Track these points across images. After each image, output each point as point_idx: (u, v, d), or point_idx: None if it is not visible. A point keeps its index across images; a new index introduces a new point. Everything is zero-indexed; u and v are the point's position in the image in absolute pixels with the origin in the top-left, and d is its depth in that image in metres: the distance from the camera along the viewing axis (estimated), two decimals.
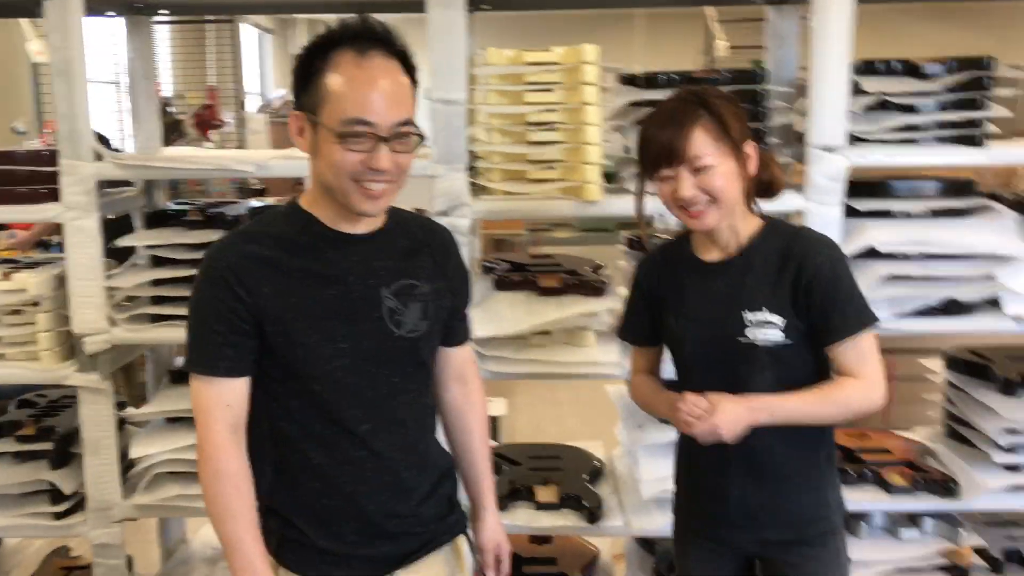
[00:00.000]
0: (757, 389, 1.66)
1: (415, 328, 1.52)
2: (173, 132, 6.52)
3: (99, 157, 2.26)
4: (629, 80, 2.36)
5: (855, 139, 2.23)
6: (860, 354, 1.67)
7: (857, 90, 2.22)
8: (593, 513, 2.35)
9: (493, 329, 2.24)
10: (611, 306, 2.30)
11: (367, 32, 1.41)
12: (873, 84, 2.21)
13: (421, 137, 1.47)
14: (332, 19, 1.48)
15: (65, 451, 2.43)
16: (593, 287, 2.31)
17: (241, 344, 1.44)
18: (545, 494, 2.43)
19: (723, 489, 1.76)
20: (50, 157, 2.27)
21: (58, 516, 2.40)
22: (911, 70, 2.26)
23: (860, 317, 1.67)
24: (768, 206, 1.89)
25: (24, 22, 5.14)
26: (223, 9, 2.64)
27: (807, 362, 1.71)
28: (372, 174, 1.41)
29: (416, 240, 1.58)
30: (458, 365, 1.71)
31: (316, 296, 1.45)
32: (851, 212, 2.27)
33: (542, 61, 2.22)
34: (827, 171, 2.19)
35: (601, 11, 11.83)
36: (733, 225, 1.71)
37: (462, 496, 1.74)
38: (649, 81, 2.29)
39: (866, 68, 2.29)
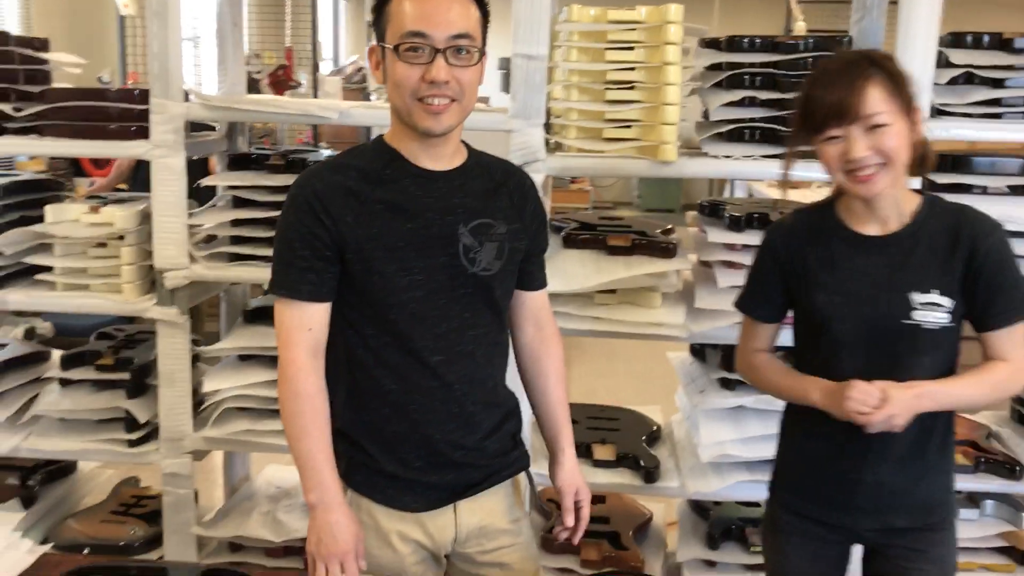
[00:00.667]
0: (913, 374, 1.59)
1: (489, 267, 1.55)
2: (250, 90, 6.64)
3: (187, 97, 2.32)
4: (710, 43, 2.36)
5: (939, 112, 2.20)
6: (1014, 339, 1.61)
7: (943, 63, 2.18)
8: (650, 473, 2.37)
9: (559, 285, 2.26)
10: (679, 267, 2.31)
11: None
12: (960, 57, 2.18)
13: (481, 53, 1.50)
14: None
15: (141, 382, 2.52)
16: (662, 248, 2.32)
17: (323, 270, 1.48)
18: (603, 452, 2.46)
19: (855, 473, 1.67)
20: (141, 96, 2.35)
21: (132, 444, 2.49)
22: (1000, 44, 2.22)
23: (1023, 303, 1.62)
24: None
25: None
26: None
27: (956, 345, 1.65)
28: (431, 87, 1.44)
29: (495, 181, 1.61)
30: (535, 309, 1.74)
31: (395, 228, 1.49)
32: (931, 187, 2.24)
33: (625, 19, 2.22)
34: None
35: None
36: (896, 196, 1.61)
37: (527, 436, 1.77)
38: (731, 44, 2.28)
39: (954, 40, 2.25)
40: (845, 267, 1.64)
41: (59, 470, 2.86)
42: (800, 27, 7.80)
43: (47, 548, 1.56)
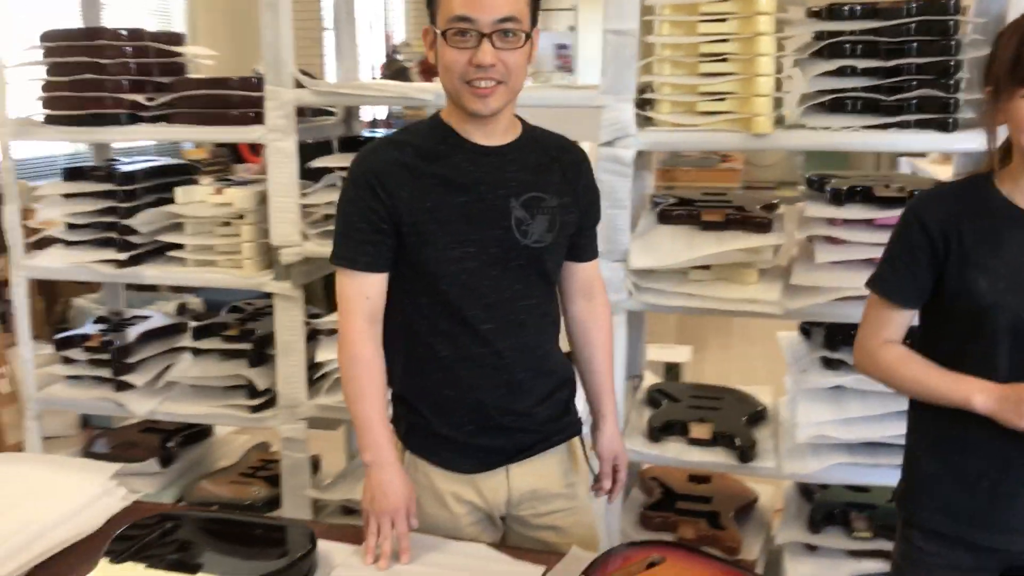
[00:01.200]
0: None
1: (540, 239, 1.58)
2: (400, 78, 6.86)
3: (299, 84, 2.46)
4: (815, 14, 2.28)
5: None
6: None
7: None
8: (745, 452, 2.34)
9: (651, 261, 2.27)
10: (776, 242, 2.26)
11: None
12: None
13: (528, 36, 1.52)
14: None
15: (262, 352, 2.69)
16: (757, 223, 2.28)
17: (380, 242, 1.56)
18: (699, 430, 2.44)
19: (1014, 487, 1.51)
20: (259, 84, 2.50)
21: (253, 409, 2.67)
22: None
23: None
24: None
25: None
26: None
27: None
28: (478, 71, 1.48)
29: (548, 156, 1.64)
30: (585, 280, 1.76)
31: (448, 201, 1.54)
32: None
33: None
34: None
35: None
36: None
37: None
38: (832, 12, 2.20)
39: None
40: (1012, 249, 1.47)
41: (197, 434, 3.10)
42: None
43: (139, 496, 1.71)
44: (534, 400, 1.65)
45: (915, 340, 1.65)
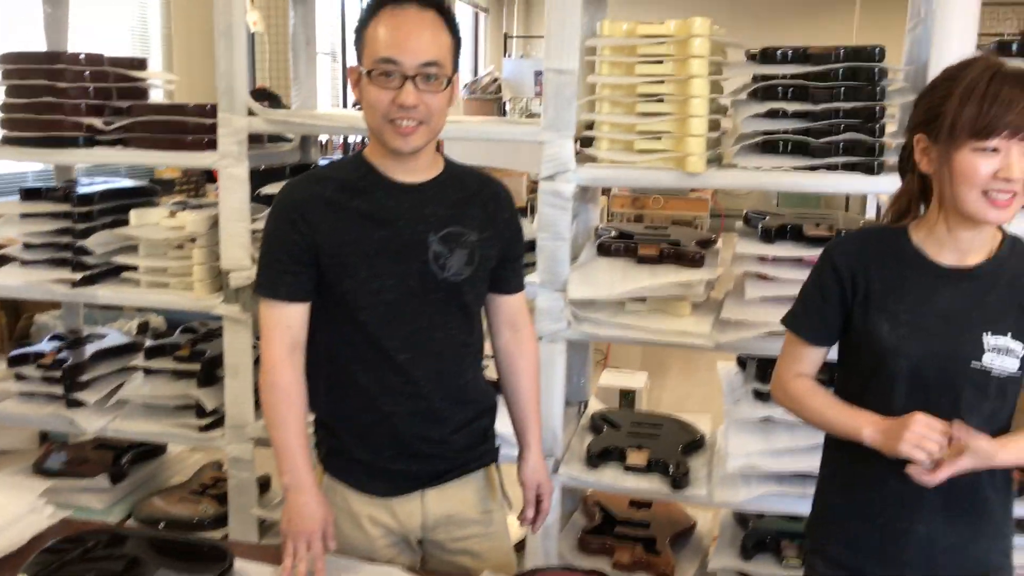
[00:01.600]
0: (969, 423, 1.46)
1: (459, 272, 1.64)
2: None
3: (251, 112, 2.52)
4: (751, 57, 2.37)
5: None
6: None
7: None
8: (677, 480, 2.40)
9: (588, 292, 2.33)
10: (706, 277, 2.33)
11: None
12: None
13: (449, 80, 1.59)
14: None
15: (211, 372, 2.74)
16: (690, 258, 2.35)
17: (301, 273, 1.61)
18: (635, 457, 2.50)
19: (907, 524, 1.56)
20: (213, 111, 2.56)
21: (201, 429, 2.71)
22: None
23: None
24: None
25: None
26: None
27: (1016, 397, 1.53)
28: (400, 111, 1.54)
29: (468, 191, 1.70)
30: (510, 312, 1.82)
31: (368, 236, 1.60)
32: None
33: (654, 34, 2.27)
34: None
35: None
36: (992, 229, 1.51)
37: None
38: (765, 56, 2.29)
39: (999, 48, 2.18)
40: (916, 297, 1.52)
41: (150, 451, 3.13)
42: None
43: (67, 514, 1.75)
44: (451, 428, 1.70)
45: (833, 374, 1.71)
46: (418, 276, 1.62)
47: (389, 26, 1.54)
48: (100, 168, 4.18)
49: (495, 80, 10.78)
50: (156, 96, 3.44)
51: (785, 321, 1.69)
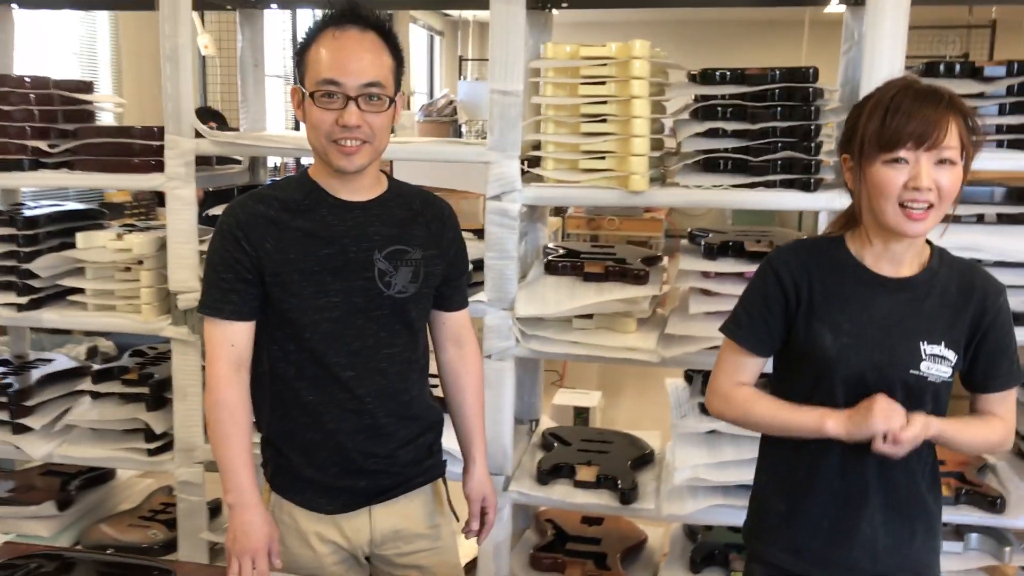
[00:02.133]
0: None
1: (404, 289, 1.67)
2: None
3: (199, 134, 2.53)
4: (692, 78, 2.43)
5: None
6: (1008, 400, 1.61)
7: None
8: (626, 494, 2.43)
9: (534, 309, 2.36)
10: (650, 294, 2.38)
11: (346, 12, 1.59)
12: None
13: (392, 100, 1.62)
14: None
15: (160, 396, 2.72)
16: (635, 275, 2.39)
17: (244, 291, 1.62)
18: (584, 473, 2.52)
19: (850, 525, 1.60)
20: (160, 133, 2.56)
21: (150, 453, 2.69)
22: (973, 72, 2.22)
23: (1021, 368, 1.61)
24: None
25: (196, 18, 5.64)
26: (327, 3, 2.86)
27: (947, 403, 1.59)
28: (343, 131, 1.57)
29: (413, 210, 1.73)
30: (454, 329, 1.85)
31: (312, 254, 1.62)
32: None
33: (596, 56, 2.31)
34: None
35: (771, 17, 11.82)
36: (920, 241, 1.57)
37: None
38: (704, 77, 2.35)
39: (927, 69, 2.26)
40: (856, 306, 1.57)
41: (99, 477, 3.10)
42: None
43: (10, 537, 1.73)
44: (397, 444, 1.72)
45: (770, 386, 1.73)
46: (363, 293, 1.64)
47: (331, 48, 1.57)
48: (48, 192, 4.15)
49: (451, 102, 10.83)
50: (107, 119, 3.43)
51: (726, 331, 1.70)
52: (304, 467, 1.69)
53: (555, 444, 2.73)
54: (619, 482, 2.46)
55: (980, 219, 2.25)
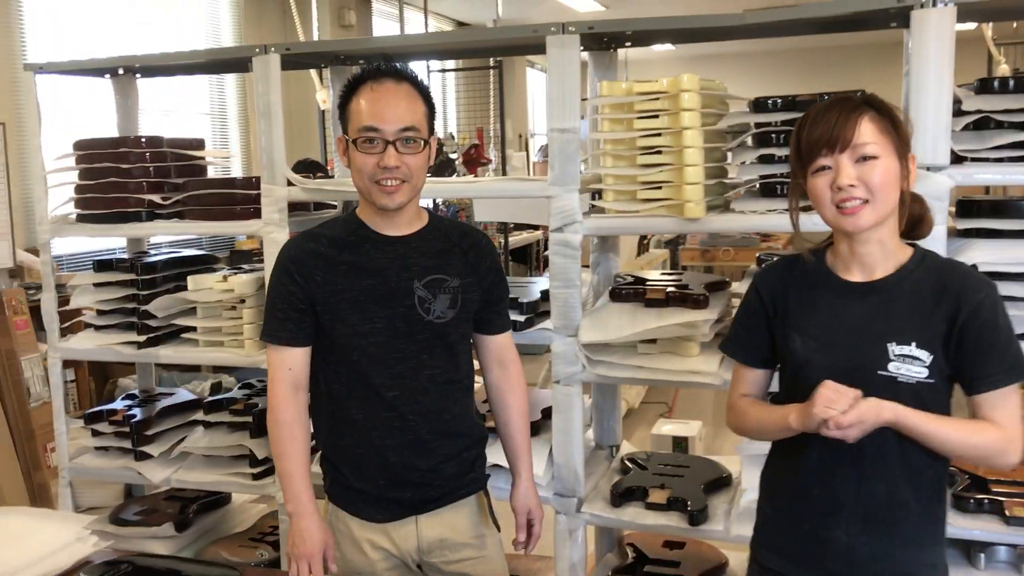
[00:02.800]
0: (890, 429, 1.55)
1: (442, 315, 1.81)
2: (446, 170, 7.24)
3: (290, 183, 2.76)
4: (749, 106, 2.49)
5: (960, 158, 2.21)
6: (1006, 406, 1.57)
7: (960, 110, 2.21)
8: (694, 516, 2.47)
9: (597, 335, 2.46)
10: (709, 317, 2.43)
11: (385, 67, 1.78)
12: (975, 102, 2.19)
13: (426, 142, 1.77)
14: None
15: (262, 424, 2.92)
16: (695, 300, 2.46)
17: (299, 320, 1.80)
18: (656, 495, 2.58)
19: (828, 532, 1.65)
20: (258, 183, 2.81)
21: (254, 477, 2.91)
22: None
23: (1015, 367, 1.57)
24: None
25: (314, 75, 6.03)
26: (406, 56, 3.08)
27: (941, 404, 1.60)
28: (384, 172, 1.74)
29: (451, 242, 1.88)
30: (497, 351, 1.98)
31: (358, 285, 1.79)
32: (965, 232, 2.25)
33: (649, 91, 2.42)
34: (930, 190, 2.18)
35: (866, 41, 11.58)
36: (884, 242, 1.61)
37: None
38: (757, 105, 2.41)
39: (981, 86, 2.26)
40: (825, 313, 1.64)
41: (215, 502, 3.35)
42: (1003, 69, 7.43)
43: (107, 544, 1.95)
44: (440, 458, 1.85)
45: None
46: (405, 319, 1.79)
47: (369, 99, 1.75)
48: (178, 240, 4.52)
49: None
50: (235, 171, 3.74)
51: (722, 347, 1.85)
52: (355, 480, 1.84)
53: (632, 468, 2.80)
54: (688, 504, 2.51)
55: None
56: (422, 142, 1.77)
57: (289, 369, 1.81)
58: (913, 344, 1.57)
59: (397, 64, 1.79)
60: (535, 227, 8.51)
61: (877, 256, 1.62)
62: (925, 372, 1.56)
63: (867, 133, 1.56)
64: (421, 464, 1.84)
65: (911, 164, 1.62)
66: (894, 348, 1.57)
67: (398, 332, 1.80)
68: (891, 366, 1.57)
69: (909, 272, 1.62)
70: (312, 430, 1.87)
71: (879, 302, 1.61)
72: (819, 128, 1.57)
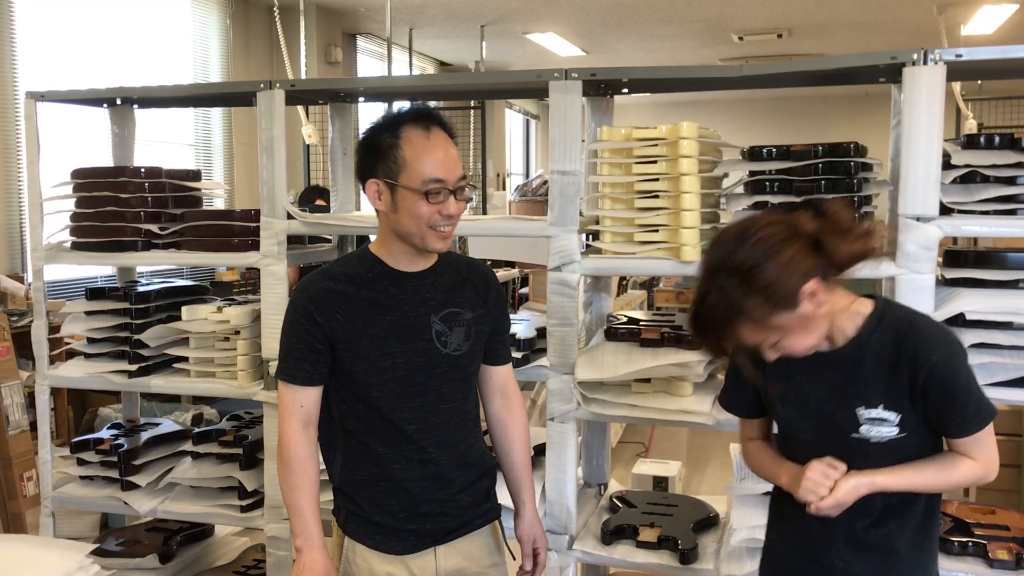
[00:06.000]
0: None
1: (459, 347, 1.86)
2: None
3: (290, 216, 2.79)
4: (743, 154, 2.57)
5: (948, 210, 2.29)
6: (979, 445, 1.66)
7: (949, 164, 2.29)
8: (685, 554, 2.51)
9: (593, 373, 2.50)
10: (702, 359, 2.48)
11: (427, 113, 1.82)
12: (963, 157, 2.28)
13: (473, 187, 1.83)
14: None
15: (252, 456, 2.95)
16: (688, 341, 2.51)
17: (316, 360, 1.83)
18: (647, 534, 2.61)
19: (825, 560, 1.75)
20: (257, 215, 2.84)
21: (243, 509, 2.91)
22: (1012, 143, 2.30)
23: (980, 415, 1.64)
24: (862, 272, 1.92)
25: (300, 110, 6.09)
26: (403, 96, 3.14)
27: (922, 446, 1.69)
28: (444, 220, 1.80)
29: (460, 276, 1.93)
30: (500, 382, 2.03)
31: (378, 321, 1.83)
32: (952, 282, 2.33)
33: (648, 137, 2.48)
34: (919, 240, 2.26)
35: (848, 92, 11.87)
36: (835, 322, 1.66)
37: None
38: (752, 154, 2.49)
39: (968, 142, 2.35)
40: (800, 380, 1.73)
41: (198, 534, 3.33)
42: (971, 124, 7.63)
43: (111, 573, 1.95)
44: (458, 488, 1.89)
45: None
46: (424, 353, 1.83)
47: (427, 149, 1.77)
48: (165, 271, 4.52)
49: (545, 182, 11.18)
50: (218, 203, 3.77)
51: (719, 399, 1.99)
52: (375, 513, 1.87)
53: (621, 506, 2.83)
54: (679, 542, 2.54)
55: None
56: (468, 189, 1.83)
57: (301, 407, 1.84)
58: (880, 407, 1.65)
59: (435, 110, 1.84)
60: (512, 264, 8.58)
61: (836, 331, 1.69)
62: (895, 431, 1.65)
63: (751, 336, 1.57)
64: (441, 495, 1.87)
65: (809, 290, 1.54)
66: (863, 412, 1.66)
67: (418, 366, 1.83)
68: (862, 429, 1.67)
69: (868, 335, 1.68)
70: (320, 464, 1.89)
71: (845, 369, 1.69)
72: (709, 348, 1.66)
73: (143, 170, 2.99)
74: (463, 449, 1.90)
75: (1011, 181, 2.28)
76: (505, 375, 2.04)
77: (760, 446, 1.89)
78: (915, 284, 2.26)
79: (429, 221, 1.80)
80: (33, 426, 4.05)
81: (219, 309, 2.93)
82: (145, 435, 3.18)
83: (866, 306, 1.71)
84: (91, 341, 3.07)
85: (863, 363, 1.67)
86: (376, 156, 1.83)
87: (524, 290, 8.89)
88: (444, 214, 1.79)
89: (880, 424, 1.65)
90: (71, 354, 3.15)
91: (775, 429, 1.91)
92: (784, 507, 1.83)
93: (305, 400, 1.85)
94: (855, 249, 1.59)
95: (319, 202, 4.83)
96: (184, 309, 2.97)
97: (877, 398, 1.65)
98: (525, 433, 2.06)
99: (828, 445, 1.69)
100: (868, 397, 1.66)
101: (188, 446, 3.07)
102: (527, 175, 13.54)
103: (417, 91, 3.14)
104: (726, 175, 2.65)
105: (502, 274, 8.56)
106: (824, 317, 1.62)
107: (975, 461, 1.67)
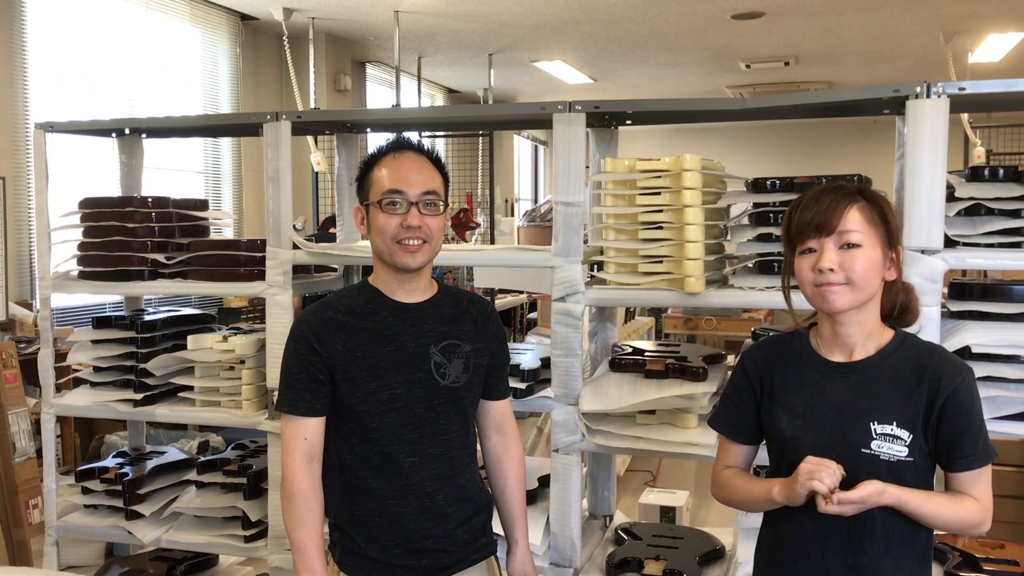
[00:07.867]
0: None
1: (457, 380, 1.85)
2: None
3: (295, 246, 2.80)
4: (747, 186, 2.57)
5: (952, 243, 2.29)
6: (979, 482, 1.65)
7: (953, 196, 2.29)
8: None
9: (598, 405, 2.49)
10: (708, 390, 2.48)
11: (405, 143, 1.87)
12: (967, 189, 2.27)
13: (445, 205, 1.85)
14: None
15: (257, 486, 2.94)
16: (693, 372, 2.50)
17: (316, 390, 1.83)
18: (652, 567, 2.59)
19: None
20: (263, 245, 2.85)
21: (247, 539, 2.90)
22: (1017, 176, 2.29)
23: (987, 449, 1.65)
24: None
25: (309, 138, 6.12)
26: (409, 127, 3.16)
27: (921, 480, 1.67)
28: (407, 232, 1.81)
29: (460, 308, 1.93)
30: (497, 417, 2.02)
31: (377, 351, 1.83)
32: (957, 314, 2.32)
33: (651, 168, 2.49)
34: (924, 272, 2.25)
35: (856, 119, 11.89)
36: (864, 324, 1.68)
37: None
38: (756, 185, 2.49)
39: (972, 174, 2.35)
40: (810, 392, 1.70)
41: (202, 563, 3.32)
42: (979, 152, 7.63)
43: None
44: (454, 524, 1.88)
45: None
46: (422, 384, 1.83)
47: (392, 166, 1.84)
48: (172, 299, 4.53)
49: (552, 208, 11.21)
50: (227, 231, 3.79)
51: (710, 422, 1.90)
52: (370, 549, 1.86)
53: (626, 539, 2.81)
54: (684, 575, 2.52)
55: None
56: (441, 205, 1.84)
57: (304, 439, 1.84)
58: (894, 423, 1.64)
59: (415, 140, 1.87)
60: (519, 291, 8.60)
61: (857, 338, 1.70)
62: (905, 451, 1.63)
63: (854, 221, 1.64)
64: (437, 531, 1.86)
65: (898, 256, 1.70)
66: (876, 427, 1.64)
67: (416, 397, 1.83)
68: (873, 444, 1.64)
69: (889, 354, 1.69)
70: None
71: (861, 382, 1.68)
72: (810, 212, 1.66)
73: (150, 200, 3.01)
74: (460, 484, 1.90)
75: (1015, 214, 2.28)
76: (503, 410, 2.04)
77: (738, 471, 1.85)
78: (920, 317, 2.24)
79: (393, 235, 1.82)
80: (39, 453, 4.06)
81: (224, 338, 2.93)
82: (150, 464, 3.18)
83: (889, 332, 1.74)
84: (97, 369, 3.08)
85: (881, 378, 1.67)
86: (359, 185, 1.91)
87: (533, 315, 8.89)
88: (405, 225, 1.81)
89: (892, 441, 1.63)
90: (77, 382, 3.16)
91: (755, 463, 1.91)
92: (772, 552, 1.79)
93: (308, 432, 1.84)
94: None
95: (333, 230, 4.86)
96: (190, 338, 2.98)
97: (891, 415, 1.64)
98: (521, 469, 2.06)
99: (836, 460, 1.61)
100: (882, 412, 1.65)
101: (193, 475, 3.06)
102: (535, 200, 13.58)
103: (421, 122, 3.16)
104: (732, 205, 2.65)
105: (510, 299, 8.58)
106: (876, 292, 1.67)
107: (975, 502, 1.65)
